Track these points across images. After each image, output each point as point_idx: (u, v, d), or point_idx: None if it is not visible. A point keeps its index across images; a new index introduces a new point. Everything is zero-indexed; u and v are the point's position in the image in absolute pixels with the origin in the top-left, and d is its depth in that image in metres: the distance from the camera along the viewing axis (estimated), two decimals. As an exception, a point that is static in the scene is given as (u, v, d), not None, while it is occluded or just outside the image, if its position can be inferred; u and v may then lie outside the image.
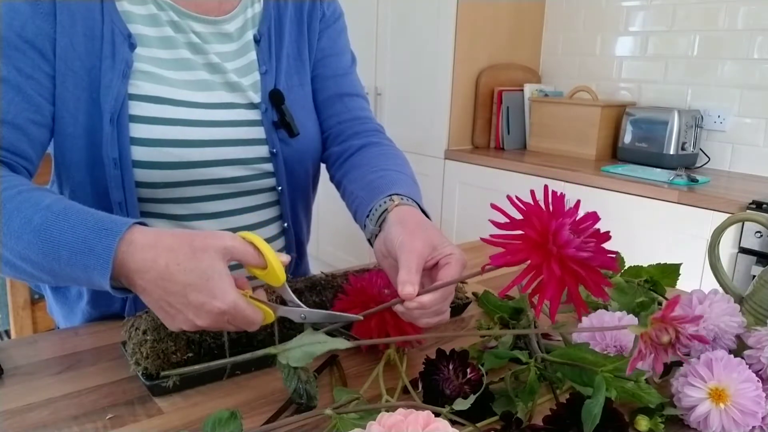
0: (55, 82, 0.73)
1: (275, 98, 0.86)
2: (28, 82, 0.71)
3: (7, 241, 0.59)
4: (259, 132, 0.85)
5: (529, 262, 0.52)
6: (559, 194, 0.53)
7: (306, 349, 0.56)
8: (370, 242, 0.74)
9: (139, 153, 0.76)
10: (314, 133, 0.93)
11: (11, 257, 0.59)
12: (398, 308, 0.61)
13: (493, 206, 0.53)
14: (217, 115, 0.82)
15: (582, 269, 0.50)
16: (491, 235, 0.53)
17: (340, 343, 0.56)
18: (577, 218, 0.51)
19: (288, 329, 0.71)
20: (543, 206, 0.52)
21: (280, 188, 0.89)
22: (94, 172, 0.76)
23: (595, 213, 0.52)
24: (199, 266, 0.55)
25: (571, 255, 0.49)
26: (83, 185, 0.77)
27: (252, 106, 0.85)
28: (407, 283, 0.59)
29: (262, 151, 0.86)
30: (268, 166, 0.87)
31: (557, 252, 0.50)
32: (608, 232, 0.52)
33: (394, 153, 0.91)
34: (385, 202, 0.73)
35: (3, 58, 0.69)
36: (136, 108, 0.76)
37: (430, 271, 0.64)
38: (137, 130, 0.75)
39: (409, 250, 0.61)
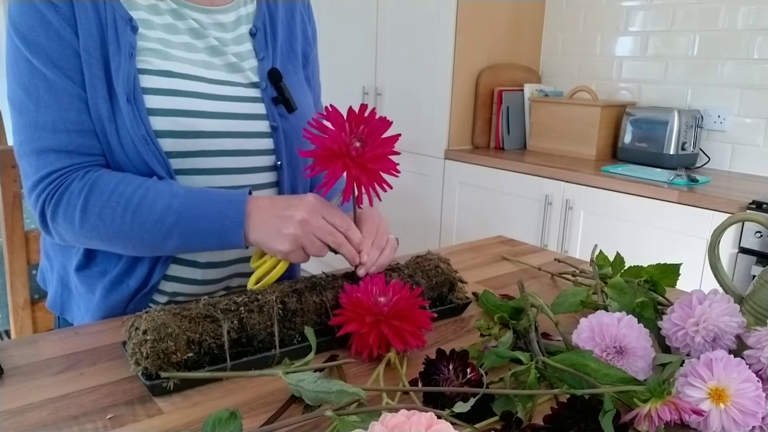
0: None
1: (273, 76, 0.92)
2: (81, 88, 0.78)
3: (151, 225, 0.77)
4: (259, 108, 0.91)
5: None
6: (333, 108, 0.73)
7: (321, 396, 0.56)
8: None
9: (155, 123, 0.80)
10: (310, 110, 0.98)
11: (146, 238, 0.77)
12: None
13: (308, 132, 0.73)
14: (221, 90, 0.87)
15: (365, 170, 0.72)
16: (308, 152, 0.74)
17: (354, 390, 0.55)
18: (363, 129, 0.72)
19: (288, 329, 0.71)
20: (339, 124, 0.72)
21: (279, 163, 0.93)
22: (127, 153, 0.80)
23: (377, 119, 0.72)
24: (290, 196, 0.81)
25: (357, 157, 0.71)
26: (126, 168, 0.81)
27: (252, 84, 0.91)
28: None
29: (263, 125, 0.91)
30: (269, 142, 0.91)
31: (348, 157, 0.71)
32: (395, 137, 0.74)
33: None
34: None
35: (55, 70, 0.77)
36: (148, 81, 0.80)
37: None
38: (151, 101, 0.80)
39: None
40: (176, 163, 0.83)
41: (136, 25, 0.81)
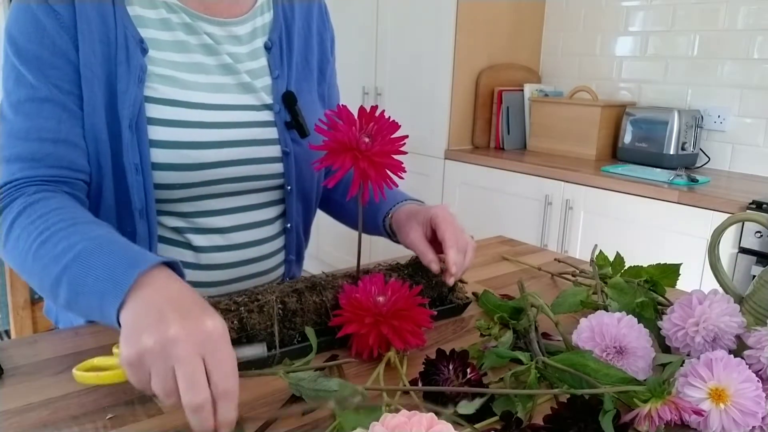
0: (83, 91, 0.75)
1: (288, 99, 0.88)
2: (69, 98, 0.74)
3: (47, 263, 0.62)
4: (272, 132, 0.87)
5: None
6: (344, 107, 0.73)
7: (321, 395, 0.55)
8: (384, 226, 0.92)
9: (157, 155, 0.77)
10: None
11: (44, 277, 0.63)
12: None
13: (318, 127, 0.73)
14: (231, 116, 0.83)
15: (373, 163, 0.72)
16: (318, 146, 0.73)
17: (352, 390, 0.55)
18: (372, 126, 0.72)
19: (288, 329, 0.71)
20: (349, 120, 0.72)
21: (289, 187, 0.91)
22: (116, 179, 0.77)
23: (388, 121, 0.73)
24: (207, 305, 0.55)
25: (365, 151, 0.71)
26: (107, 195, 0.78)
27: (265, 107, 0.87)
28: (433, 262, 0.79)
29: (275, 150, 0.88)
30: (279, 166, 0.89)
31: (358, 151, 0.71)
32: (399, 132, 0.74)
33: None
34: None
35: (41, 78, 0.73)
36: (154, 111, 0.77)
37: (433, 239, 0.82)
38: (155, 133, 0.77)
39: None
40: (179, 193, 0.81)
41: (146, 46, 0.77)
